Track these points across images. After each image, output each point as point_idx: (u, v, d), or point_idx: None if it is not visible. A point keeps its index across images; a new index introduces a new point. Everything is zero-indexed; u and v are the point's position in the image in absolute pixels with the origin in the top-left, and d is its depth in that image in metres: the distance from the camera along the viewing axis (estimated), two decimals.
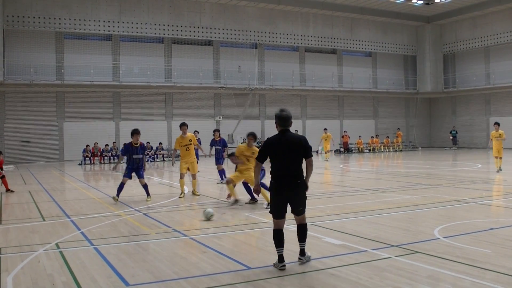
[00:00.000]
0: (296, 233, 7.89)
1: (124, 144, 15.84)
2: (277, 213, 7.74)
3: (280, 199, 7.73)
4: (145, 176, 15.88)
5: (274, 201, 7.79)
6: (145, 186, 15.53)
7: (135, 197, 16.28)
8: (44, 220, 12.12)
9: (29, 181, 23.42)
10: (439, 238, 9.11)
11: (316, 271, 7.26)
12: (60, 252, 8.67)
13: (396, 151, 49.80)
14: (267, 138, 8.10)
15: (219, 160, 21.08)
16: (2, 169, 19.39)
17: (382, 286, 6.48)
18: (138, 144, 15.27)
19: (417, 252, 8.12)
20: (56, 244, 9.27)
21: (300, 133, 47.87)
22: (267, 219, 11.43)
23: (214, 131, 21.88)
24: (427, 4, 46.85)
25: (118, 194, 15.08)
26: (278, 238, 7.64)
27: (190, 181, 17.16)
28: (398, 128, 52.86)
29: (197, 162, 19.23)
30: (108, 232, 10.68)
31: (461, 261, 7.54)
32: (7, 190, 18.61)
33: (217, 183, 20.39)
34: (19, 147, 38.61)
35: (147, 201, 15.21)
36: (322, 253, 8.25)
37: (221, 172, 20.72)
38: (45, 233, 10.46)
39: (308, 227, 10.20)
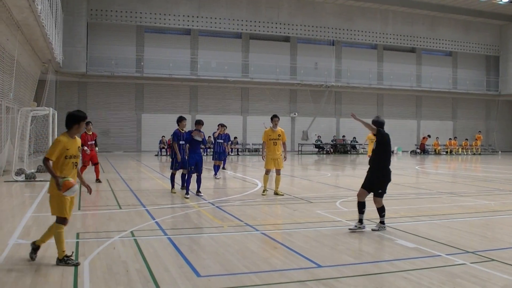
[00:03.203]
0: None
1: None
2: None
3: None
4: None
5: None
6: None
7: (209, 189, 16.45)
8: (120, 208, 12.42)
9: (107, 170, 24.08)
10: None
11: (388, 273, 7.13)
12: (135, 240, 8.86)
13: (474, 154, 48.42)
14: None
15: (220, 155, 21.35)
16: (96, 145, 18.99)
17: None
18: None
19: (493, 260, 7.83)
20: (131, 232, 9.47)
21: None
22: (339, 218, 11.35)
23: (219, 125, 21.91)
24: None
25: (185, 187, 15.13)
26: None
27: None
28: (479, 131, 51.31)
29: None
30: (182, 223, 10.84)
31: None
32: (97, 179, 18.55)
33: (218, 178, 20.48)
34: (99, 136, 39.47)
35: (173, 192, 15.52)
36: (395, 256, 8.11)
37: (217, 168, 21.10)
38: (120, 221, 10.71)
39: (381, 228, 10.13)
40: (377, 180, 9.93)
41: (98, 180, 18.44)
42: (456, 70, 52.33)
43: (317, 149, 45.58)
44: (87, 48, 38.44)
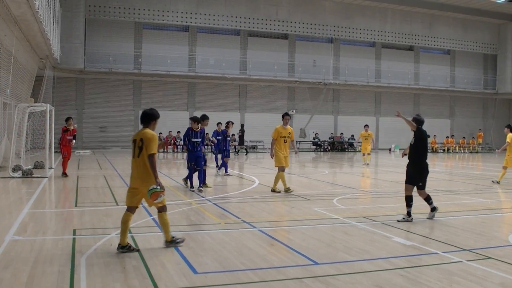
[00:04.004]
0: None
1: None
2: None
3: None
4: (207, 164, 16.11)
5: None
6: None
7: (207, 187, 16.43)
8: (117, 204, 12.40)
9: (105, 166, 24.06)
10: None
11: (385, 270, 7.13)
12: (132, 236, 8.83)
13: (471, 152, 48.46)
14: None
15: (226, 152, 21.15)
16: (74, 138, 19.44)
17: None
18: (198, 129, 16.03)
19: (490, 257, 7.84)
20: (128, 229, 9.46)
21: (373, 130, 47.51)
22: (336, 215, 11.36)
23: (229, 122, 21.65)
24: (510, 1, 45.23)
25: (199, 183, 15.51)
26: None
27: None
28: (480, 129, 51.40)
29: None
30: (179, 219, 10.82)
31: None
32: (64, 173, 18.97)
33: (221, 174, 20.55)
34: (97, 132, 39.76)
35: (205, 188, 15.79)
36: (392, 253, 8.11)
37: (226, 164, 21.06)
38: (118, 218, 10.58)
39: (378, 226, 10.11)
40: (417, 174, 10.97)
41: (65, 174, 18.88)
42: (454, 69, 52.33)
43: (314, 147, 45.64)
44: (85, 44, 38.39)
